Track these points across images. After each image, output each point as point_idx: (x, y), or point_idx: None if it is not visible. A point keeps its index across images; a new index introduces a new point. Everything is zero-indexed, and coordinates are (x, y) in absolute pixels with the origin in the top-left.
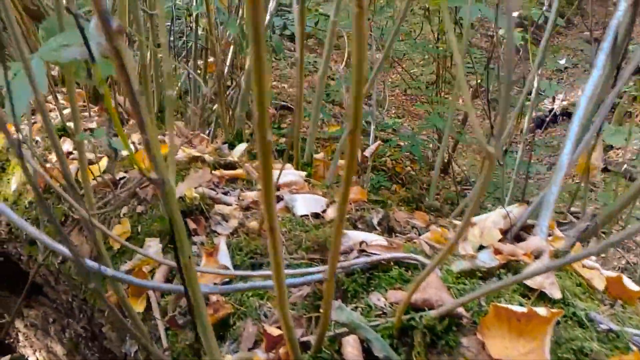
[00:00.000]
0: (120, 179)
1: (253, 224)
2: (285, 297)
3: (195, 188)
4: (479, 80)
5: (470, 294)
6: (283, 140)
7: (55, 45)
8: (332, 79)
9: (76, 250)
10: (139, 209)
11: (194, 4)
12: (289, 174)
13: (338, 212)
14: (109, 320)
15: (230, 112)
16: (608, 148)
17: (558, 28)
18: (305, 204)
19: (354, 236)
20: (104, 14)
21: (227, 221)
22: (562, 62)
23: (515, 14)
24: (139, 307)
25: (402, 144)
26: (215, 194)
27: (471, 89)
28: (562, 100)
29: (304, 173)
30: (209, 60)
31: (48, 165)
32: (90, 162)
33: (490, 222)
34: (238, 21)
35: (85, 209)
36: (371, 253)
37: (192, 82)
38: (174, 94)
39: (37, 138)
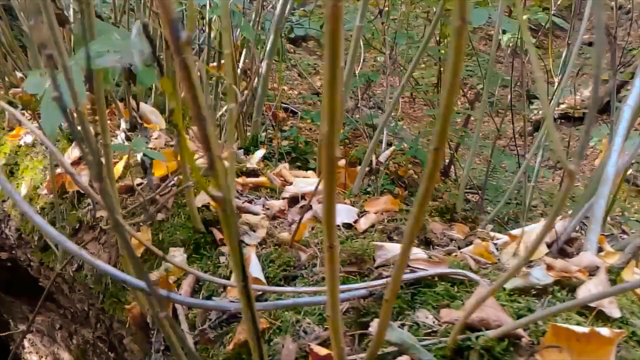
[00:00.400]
0: (138, 184)
1: (284, 235)
2: (339, 317)
3: None
4: (479, 84)
5: (532, 315)
6: (285, 142)
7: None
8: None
9: (147, 277)
10: (159, 216)
11: (207, 7)
12: (313, 183)
13: (410, 228)
14: (131, 332)
15: (242, 117)
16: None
17: (556, 31)
18: (348, 213)
19: (393, 249)
20: (174, 23)
21: (254, 231)
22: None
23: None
24: None
25: (402, 146)
26: (241, 203)
27: (470, 92)
28: (561, 104)
29: None
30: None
31: (58, 169)
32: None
33: (535, 236)
34: (254, 25)
35: (113, 213)
36: (415, 268)
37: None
38: (235, 108)
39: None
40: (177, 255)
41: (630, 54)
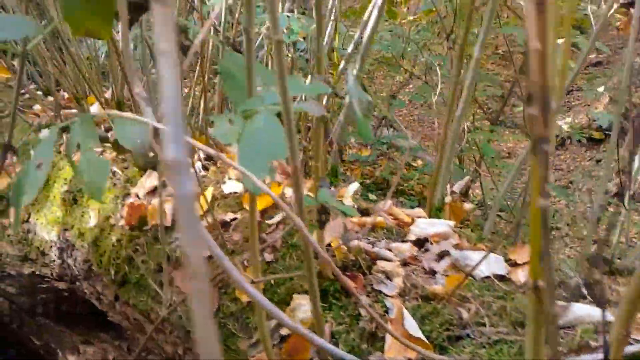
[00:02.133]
0: (232, 220)
1: (436, 288)
2: None
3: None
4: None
5: None
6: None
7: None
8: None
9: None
10: (267, 256)
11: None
12: (437, 223)
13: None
14: None
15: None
16: None
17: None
18: (486, 263)
19: (581, 311)
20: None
21: (390, 279)
22: (600, 89)
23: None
24: None
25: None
26: (371, 247)
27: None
28: (566, 123)
29: (452, 222)
30: None
31: (131, 200)
32: None
33: None
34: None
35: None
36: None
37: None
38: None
39: (114, 169)
40: (304, 304)
41: None
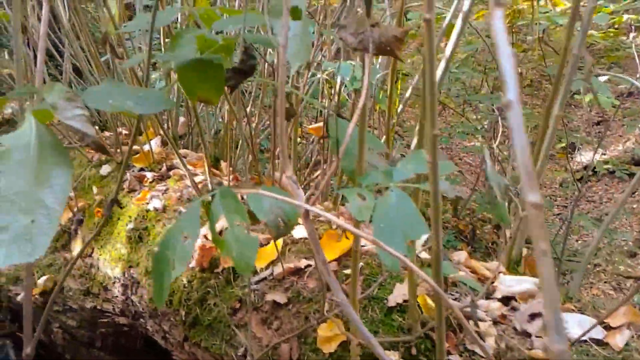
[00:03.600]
0: (306, 266)
1: (537, 352)
2: None
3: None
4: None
5: None
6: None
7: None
8: None
9: None
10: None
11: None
12: (523, 281)
13: None
14: None
15: None
16: None
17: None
18: (580, 325)
19: None
20: None
21: (483, 340)
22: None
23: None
24: None
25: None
26: (460, 305)
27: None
28: (602, 154)
29: (537, 280)
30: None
31: (201, 241)
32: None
33: None
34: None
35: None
36: None
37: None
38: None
39: (181, 208)
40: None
41: None
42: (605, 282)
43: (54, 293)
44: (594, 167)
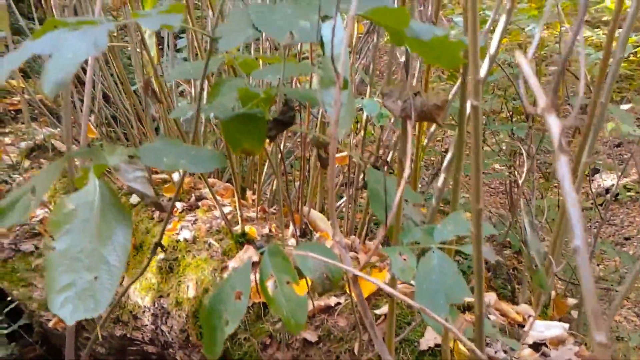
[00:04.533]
0: (336, 304)
1: None
2: None
3: None
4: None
5: None
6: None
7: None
8: None
9: None
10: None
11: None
12: (552, 326)
13: None
14: None
15: None
16: None
17: None
18: None
19: None
20: None
21: None
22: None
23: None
24: None
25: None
26: (492, 351)
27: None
28: (624, 177)
29: (567, 325)
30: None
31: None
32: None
33: None
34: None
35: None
36: None
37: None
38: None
39: (211, 241)
40: None
41: None
42: (628, 308)
43: (93, 337)
44: (617, 194)
